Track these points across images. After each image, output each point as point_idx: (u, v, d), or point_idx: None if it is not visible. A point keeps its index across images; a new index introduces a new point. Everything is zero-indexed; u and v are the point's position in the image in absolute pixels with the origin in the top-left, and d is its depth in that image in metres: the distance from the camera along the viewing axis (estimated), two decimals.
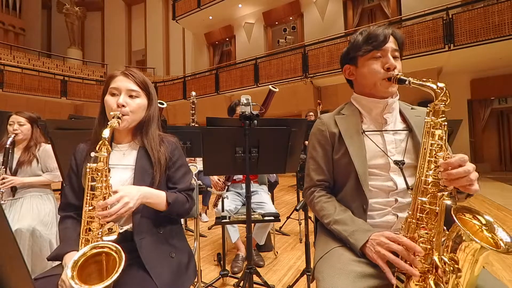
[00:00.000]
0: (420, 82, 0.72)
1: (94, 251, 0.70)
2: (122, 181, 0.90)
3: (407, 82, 0.75)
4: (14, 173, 1.73)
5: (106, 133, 0.78)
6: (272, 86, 1.85)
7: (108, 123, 0.82)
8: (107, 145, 0.78)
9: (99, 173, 0.77)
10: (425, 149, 0.70)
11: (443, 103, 0.69)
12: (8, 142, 1.66)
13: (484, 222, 0.62)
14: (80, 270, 0.66)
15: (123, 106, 0.88)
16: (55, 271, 0.80)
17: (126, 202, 0.78)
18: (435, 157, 0.68)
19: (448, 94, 0.68)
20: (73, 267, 0.65)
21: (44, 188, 1.84)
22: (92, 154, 0.79)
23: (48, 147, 1.82)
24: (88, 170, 0.77)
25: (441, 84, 0.69)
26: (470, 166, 0.62)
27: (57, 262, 0.83)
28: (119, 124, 0.84)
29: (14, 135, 1.71)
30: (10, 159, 1.70)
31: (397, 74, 0.80)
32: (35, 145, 1.81)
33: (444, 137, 0.68)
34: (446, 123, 0.69)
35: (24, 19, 16.20)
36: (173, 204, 0.90)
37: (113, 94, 0.90)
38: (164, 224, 0.94)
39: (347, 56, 0.93)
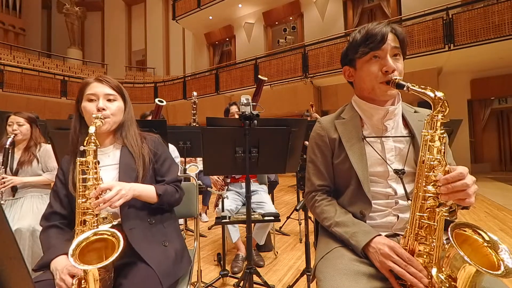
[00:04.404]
0: (419, 89, 0.68)
1: (95, 237, 0.72)
2: (108, 180, 0.92)
3: (405, 88, 0.72)
4: (15, 173, 1.73)
5: (92, 129, 0.83)
6: (260, 76, 1.94)
7: (92, 123, 0.85)
8: (95, 139, 0.82)
9: (88, 166, 0.81)
10: (423, 162, 0.67)
11: (441, 114, 0.64)
12: (8, 143, 1.66)
13: (487, 238, 0.59)
14: (80, 257, 0.67)
15: (103, 109, 0.91)
16: (50, 274, 0.79)
17: (119, 189, 0.82)
18: (433, 171, 0.65)
19: (446, 105, 0.64)
20: (75, 249, 0.67)
21: (45, 188, 1.84)
22: (81, 148, 0.83)
23: (49, 147, 1.82)
24: (78, 163, 0.81)
25: (439, 94, 0.65)
26: (469, 180, 0.60)
27: None
28: (102, 123, 0.87)
29: (13, 135, 1.71)
30: (10, 160, 1.70)
31: (395, 78, 0.76)
32: (35, 145, 1.81)
33: (442, 150, 0.65)
34: (445, 135, 0.65)
35: (24, 19, 16.18)
36: (163, 195, 0.94)
37: (90, 100, 0.92)
38: (155, 214, 0.96)
39: (346, 57, 0.89)
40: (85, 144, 0.81)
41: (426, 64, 6.57)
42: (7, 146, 1.65)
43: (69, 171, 0.92)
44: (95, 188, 0.80)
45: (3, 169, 1.65)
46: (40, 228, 1.55)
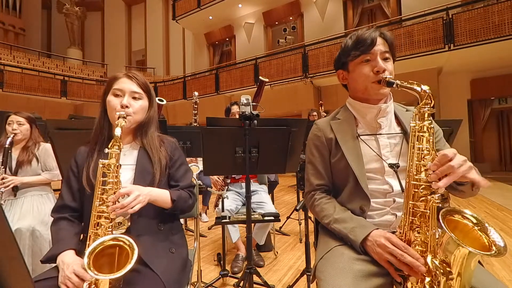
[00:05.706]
0: (406, 85, 0.73)
1: (111, 242, 0.71)
2: (123, 181, 0.91)
3: (394, 85, 0.76)
4: (15, 173, 1.73)
5: (118, 131, 0.82)
6: (261, 77, 1.95)
7: (116, 122, 0.85)
8: (120, 143, 0.81)
9: (110, 169, 0.80)
10: (412, 153, 0.71)
11: (428, 106, 0.69)
12: (7, 142, 1.65)
13: (475, 221, 0.62)
14: (93, 261, 0.66)
15: (127, 107, 0.90)
16: (52, 273, 0.79)
17: (137, 195, 0.81)
18: (423, 160, 0.68)
19: (431, 97, 0.69)
20: (90, 255, 0.66)
21: (45, 188, 1.85)
22: (106, 150, 0.82)
23: (48, 146, 1.82)
24: (100, 165, 0.80)
25: (425, 87, 0.70)
26: (455, 162, 0.62)
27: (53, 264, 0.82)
28: (125, 122, 0.86)
29: (13, 134, 1.71)
30: (9, 159, 1.70)
31: (386, 77, 0.80)
32: (34, 145, 1.81)
33: (431, 140, 0.69)
34: (432, 125, 0.70)
35: (24, 19, 16.18)
36: (177, 201, 0.93)
37: (116, 95, 0.92)
38: (165, 221, 0.95)
39: (339, 61, 0.95)
40: (109, 146, 0.81)
41: (426, 64, 6.57)
42: (7, 146, 1.65)
43: (85, 165, 0.90)
44: (114, 192, 0.79)
45: (3, 169, 1.65)
46: (40, 228, 1.59)
